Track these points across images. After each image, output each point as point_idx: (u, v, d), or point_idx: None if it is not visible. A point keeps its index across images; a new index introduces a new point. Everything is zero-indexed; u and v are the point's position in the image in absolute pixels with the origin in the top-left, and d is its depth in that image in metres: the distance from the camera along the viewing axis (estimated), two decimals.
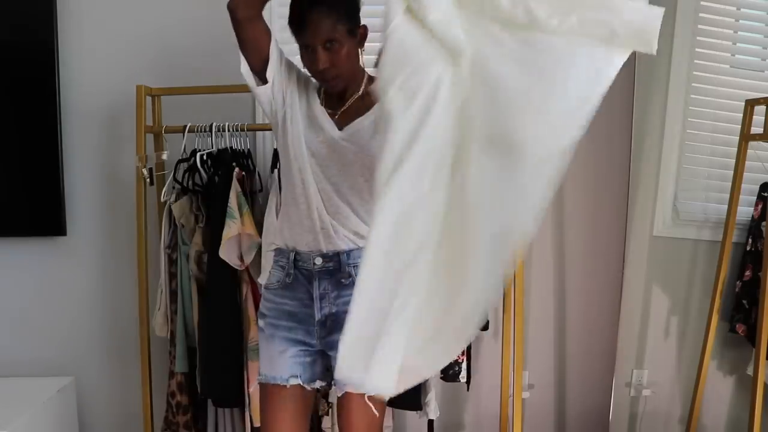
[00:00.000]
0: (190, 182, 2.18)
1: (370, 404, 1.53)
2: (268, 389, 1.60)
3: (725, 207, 2.25)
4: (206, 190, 2.17)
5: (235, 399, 2.16)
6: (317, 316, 1.56)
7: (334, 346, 1.43)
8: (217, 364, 2.11)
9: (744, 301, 2.27)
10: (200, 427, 2.26)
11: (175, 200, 2.16)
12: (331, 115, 1.57)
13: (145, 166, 2.18)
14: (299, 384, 1.58)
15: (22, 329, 2.54)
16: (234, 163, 2.14)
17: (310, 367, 1.60)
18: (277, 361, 1.58)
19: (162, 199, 2.21)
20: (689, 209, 2.41)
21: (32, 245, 2.51)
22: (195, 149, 2.17)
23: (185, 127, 2.18)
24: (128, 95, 2.25)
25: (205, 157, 2.16)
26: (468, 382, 2.29)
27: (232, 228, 2.04)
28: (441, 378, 2.19)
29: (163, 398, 2.29)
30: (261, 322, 1.62)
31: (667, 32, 2.34)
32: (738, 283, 2.29)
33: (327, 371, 1.61)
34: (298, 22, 1.48)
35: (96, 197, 2.51)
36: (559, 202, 2.57)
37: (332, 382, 1.60)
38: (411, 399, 2.07)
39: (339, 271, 1.54)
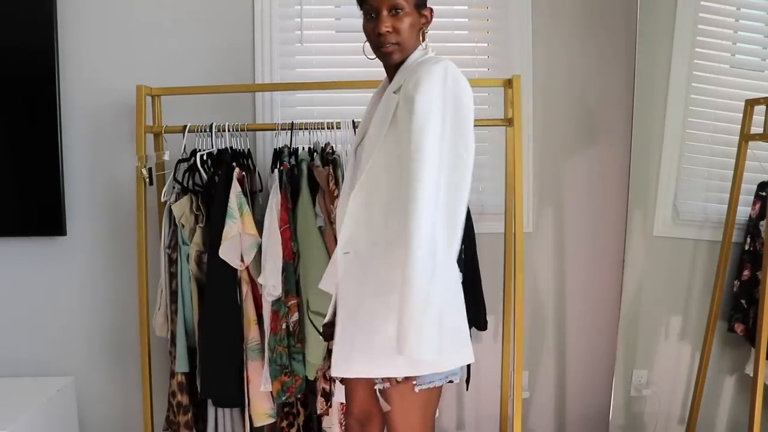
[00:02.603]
0: (190, 182, 2.18)
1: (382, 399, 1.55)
2: None
3: (725, 207, 2.25)
4: (206, 190, 2.17)
5: (235, 399, 2.16)
6: None
7: None
8: (217, 364, 2.11)
9: (742, 301, 2.27)
10: (201, 427, 2.26)
11: (175, 200, 2.16)
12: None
13: (144, 166, 2.18)
14: None
15: (22, 329, 2.54)
16: (234, 163, 2.14)
17: None
18: None
19: (162, 199, 2.21)
20: (689, 209, 2.41)
21: (32, 245, 2.51)
22: (195, 149, 2.18)
23: (185, 127, 2.18)
24: (128, 95, 2.25)
25: (205, 157, 2.16)
26: (468, 382, 2.29)
27: (232, 228, 2.04)
28: None
29: (163, 398, 2.29)
30: None
31: (667, 32, 2.34)
32: (736, 282, 2.29)
33: None
34: None
35: (96, 197, 2.51)
36: (559, 202, 2.57)
37: None
38: None
39: None
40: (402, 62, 1.54)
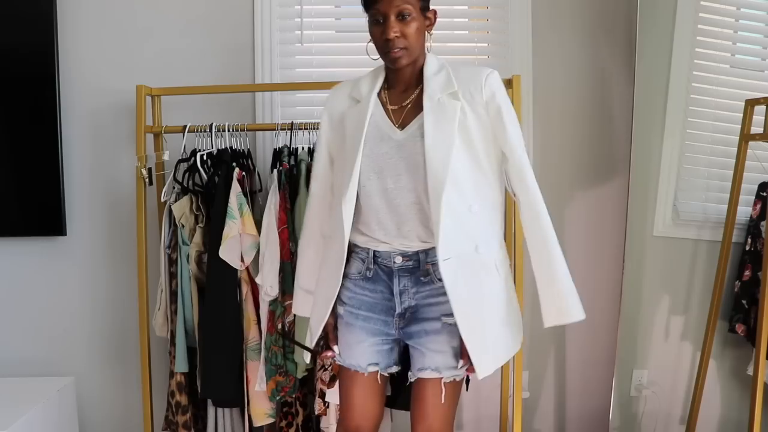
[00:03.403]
0: (190, 182, 2.18)
1: (443, 389, 1.60)
2: (347, 373, 1.68)
3: (725, 207, 2.25)
4: (206, 190, 2.17)
5: (235, 399, 2.16)
6: (398, 309, 1.61)
7: (412, 335, 1.60)
8: (217, 364, 2.11)
9: (743, 301, 2.27)
10: (200, 427, 2.26)
11: (175, 200, 2.16)
12: (395, 113, 1.60)
13: (144, 166, 2.18)
14: (377, 370, 1.66)
15: (22, 329, 2.55)
16: (234, 163, 2.14)
17: (388, 355, 1.66)
18: (355, 350, 1.65)
19: (162, 199, 2.22)
20: (689, 209, 2.41)
21: (32, 245, 2.51)
22: (195, 149, 2.18)
23: (185, 127, 2.18)
24: (128, 95, 2.25)
25: (205, 157, 2.16)
26: (468, 382, 2.29)
27: (232, 228, 2.04)
28: None
29: (163, 398, 2.30)
30: (341, 309, 1.67)
31: (667, 32, 2.34)
32: (737, 282, 2.29)
33: (399, 357, 1.69)
34: None
35: (96, 197, 2.51)
36: (559, 201, 2.57)
37: (409, 369, 1.67)
38: (409, 399, 2.07)
39: (418, 269, 1.59)
40: (410, 65, 1.57)
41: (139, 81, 2.23)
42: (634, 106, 2.31)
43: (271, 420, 2.17)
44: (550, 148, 2.55)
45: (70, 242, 2.51)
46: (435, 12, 1.61)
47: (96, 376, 2.57)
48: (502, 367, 2.32)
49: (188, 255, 2.15)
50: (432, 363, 1.58)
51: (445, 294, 1.52)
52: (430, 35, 1.61)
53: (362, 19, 1.60)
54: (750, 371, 2.25)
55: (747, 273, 2.27)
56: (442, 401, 1.59)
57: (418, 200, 1.55)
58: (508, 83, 2.18)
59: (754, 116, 2.16)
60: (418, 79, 1.60)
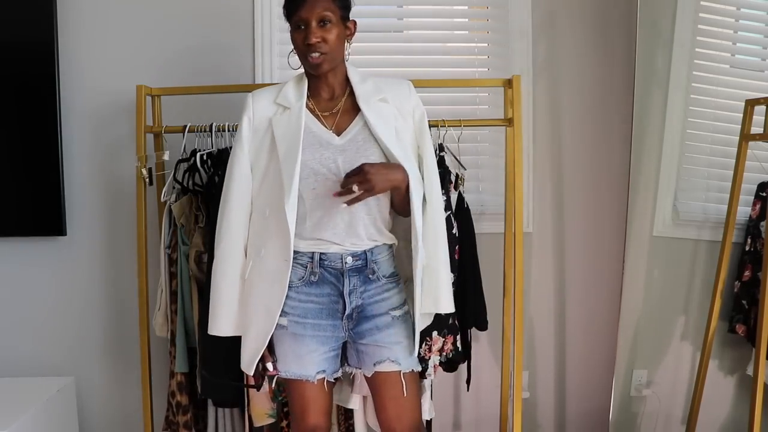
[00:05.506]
0: (190, 182, 2.18)
1: (404, 380, 1.69)
2: (295, 383, 1.72)
3: (725, 207, 2.25)
4: (206, 190, 2.17)
5: (235, 399, 2.16)
6: (347, 310, 1.67)
7: (364, 334, 1.68)
8: (216, 364, 2.11)
9: (743, 302, 2.27)
10: (200, 427, 2.26)
11: (175, 200, 2.16)
12: (326, 119, 1.67)
13: (144, 166, 2.18)
14: (323, 377, 1.71)
15: (22, 329, 2.54)
16: None
17: (334, 361, 1.73)
18: (306, 360, 1.68)
19: (162, 199, 2.21)
20: (689, 209, 2.41)
21: (32, 245, 2.51)
22: (195, 149, 2.18)
23: (185, 127, 2.18)
24: (128, 95, 2.25)
25: (205, 157, 2.16)
26: (468, 382, 2.29)
27: None
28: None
29: (163, 398, 2.30)
30: (284, 320, 1.66)
31: (668, 32, 2.34)
32: (737, 283, 2.29)
33: (344, 360, 1.77)
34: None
35: (96, 197, 2.51)
36: (559, 202, 2.57)
37: (356, 367, 1.76)
38: None
39: (365, 267, 1.68)
40: (332, 72, 1.66)
41: (139, 81, 2.23)
42: (634, 106, 2.31)
43: (271, 420, 2.17)
44: (549, 148, 2.55)
45: (70, 242, 2.51)
46: (355, 23, 1.69)
47: (96, 376, 2.57)
48: (501, 367, 2.32)
49: (188, 255, 2.15)
50: (391, 354, 1.67)
51: (389, 290, 1.69)
52: (350, 45, 1.69)
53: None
54: (750, 371, 2.25)
55: (747, 273, 2.27)
56: (404, 393, 1.67)
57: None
58: (508, 83, 2.18)
59: (754, 116, 2.16)
60: (343, 86, 1.70)
